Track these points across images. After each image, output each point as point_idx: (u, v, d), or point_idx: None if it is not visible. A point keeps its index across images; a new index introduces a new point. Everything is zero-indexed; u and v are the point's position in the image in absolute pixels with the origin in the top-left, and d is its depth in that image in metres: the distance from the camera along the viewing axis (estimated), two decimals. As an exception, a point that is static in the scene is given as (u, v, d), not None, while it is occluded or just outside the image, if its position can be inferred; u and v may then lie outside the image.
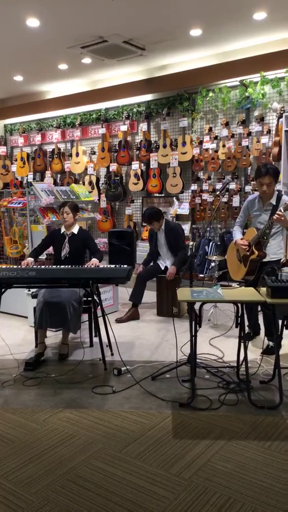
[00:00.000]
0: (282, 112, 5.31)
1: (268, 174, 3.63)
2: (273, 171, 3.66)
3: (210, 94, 6.03)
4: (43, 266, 3.98)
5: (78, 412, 2.96)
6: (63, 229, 4.24)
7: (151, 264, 5.23)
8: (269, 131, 5.58)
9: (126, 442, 2.60)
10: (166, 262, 5.12)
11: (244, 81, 5.70)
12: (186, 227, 6.33)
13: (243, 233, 4.02)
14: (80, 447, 2.56)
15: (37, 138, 8.10)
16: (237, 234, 4.00)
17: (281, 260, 3.92)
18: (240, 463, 2.38)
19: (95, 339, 4.05)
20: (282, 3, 4.59)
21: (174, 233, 5.07)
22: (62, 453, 2.51)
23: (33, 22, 4.91)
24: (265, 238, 3.74)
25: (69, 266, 3.92)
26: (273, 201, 3.76)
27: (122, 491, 2.18)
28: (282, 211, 3.49)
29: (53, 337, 4.40)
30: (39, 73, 6.93)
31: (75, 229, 4.21)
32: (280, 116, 5.34)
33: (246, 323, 3.99)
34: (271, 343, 3.80)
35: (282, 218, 3.47)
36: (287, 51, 5.29)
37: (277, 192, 3.81)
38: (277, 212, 3.51)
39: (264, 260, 3.78)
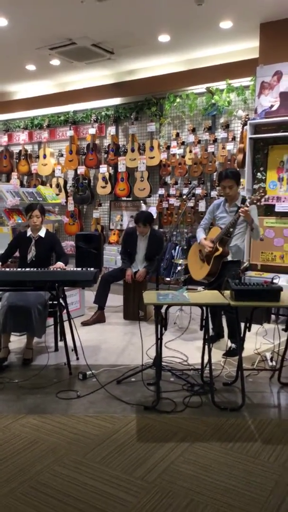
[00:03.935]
0: (246, 119, 5.44)
1: (227, 177, 3.88)
2: (233, 174, 3.91)
3: (178, 100, 6.10)
4: (7, 269, 3.89)
5: (42, 417, 2.91)
6: (29, 232, 4.14)
7: (116, 268, 5.21)
8: (234, 138, 5.71)
9: (89, 447, 2.58)
10: (138, 267, 5.11)
11: (210, 88, 5.80)
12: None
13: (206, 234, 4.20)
14: (43, 453, 2.52)
15: (3, 139, 7.96)
16: (200, 234, 4.17)
17: (242, 262, 4.09)
18: (203, 465, 2.41)
19: (60, 343, 4.00)
20: (247, 13, 4.72)
21: (157, 242, 5.07)
22: (24, 459, 2.46)
23: (0, 21, 4.84)
24: (228, 235, 3.91)
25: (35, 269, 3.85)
26: (238, 203, 3.95)
27: (85, 497, 2.16)
28: (248, 205, 3.73)
29: (17, 341, 4.31)
30: (6, 73, 6.83)
31: (42, 232, 4.13)
32: (244, 124, 5.47)
33: (211, 326, 4.06)
34: (233, 345, 3.89)
35: (248, 211, 3.72)
36: (251, 60, 5.43)
37: (242, 196, 4.00)
38: (243, 206, 3.75)
39: (225, 260, 3.94)
